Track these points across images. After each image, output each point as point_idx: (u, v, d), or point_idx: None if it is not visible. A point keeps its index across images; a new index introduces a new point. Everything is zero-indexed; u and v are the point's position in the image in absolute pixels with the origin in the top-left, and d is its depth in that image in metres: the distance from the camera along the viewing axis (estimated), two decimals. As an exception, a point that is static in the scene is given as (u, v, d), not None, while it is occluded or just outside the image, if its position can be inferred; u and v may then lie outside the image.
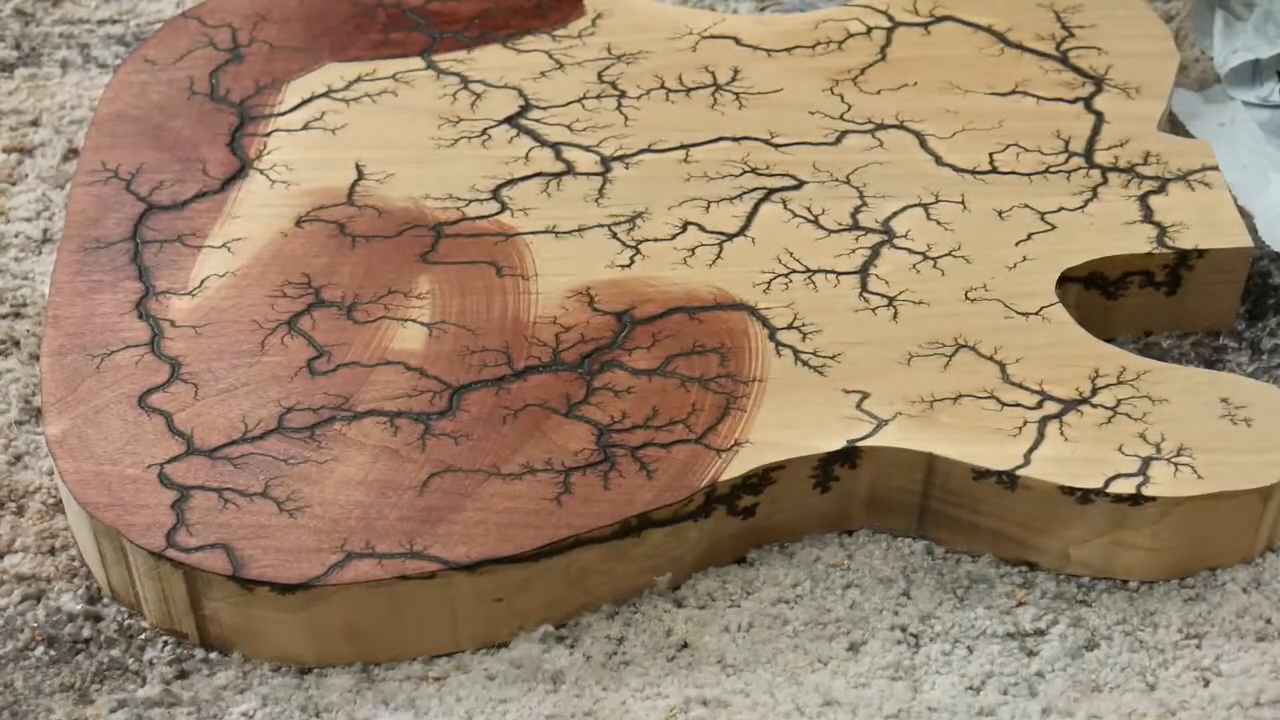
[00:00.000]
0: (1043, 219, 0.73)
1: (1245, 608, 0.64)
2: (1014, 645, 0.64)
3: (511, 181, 0.75)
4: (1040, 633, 0.64)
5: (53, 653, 0.63)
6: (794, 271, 0.71)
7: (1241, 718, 0.61)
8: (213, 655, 0.63)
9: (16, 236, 0.79)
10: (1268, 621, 0.64)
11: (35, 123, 0.84)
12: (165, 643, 0.63)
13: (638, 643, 0.63)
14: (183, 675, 0.63)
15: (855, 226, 0.73)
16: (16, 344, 0.74)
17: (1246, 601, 0.65)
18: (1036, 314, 0.69)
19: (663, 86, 0.79)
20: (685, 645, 0.63)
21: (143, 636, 0.64)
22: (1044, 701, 0.62)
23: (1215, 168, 0.75)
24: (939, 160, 0.76)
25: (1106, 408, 0.66)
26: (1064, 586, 0.65)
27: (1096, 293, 0.72)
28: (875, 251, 0.72)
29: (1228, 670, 0.63)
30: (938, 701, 0.62)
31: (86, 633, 0.64)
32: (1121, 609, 0.64)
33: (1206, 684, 0.63)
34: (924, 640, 0.64)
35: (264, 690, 0.62)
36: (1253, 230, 0.76)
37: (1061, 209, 0.73)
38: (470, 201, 0.74)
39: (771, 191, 0.74)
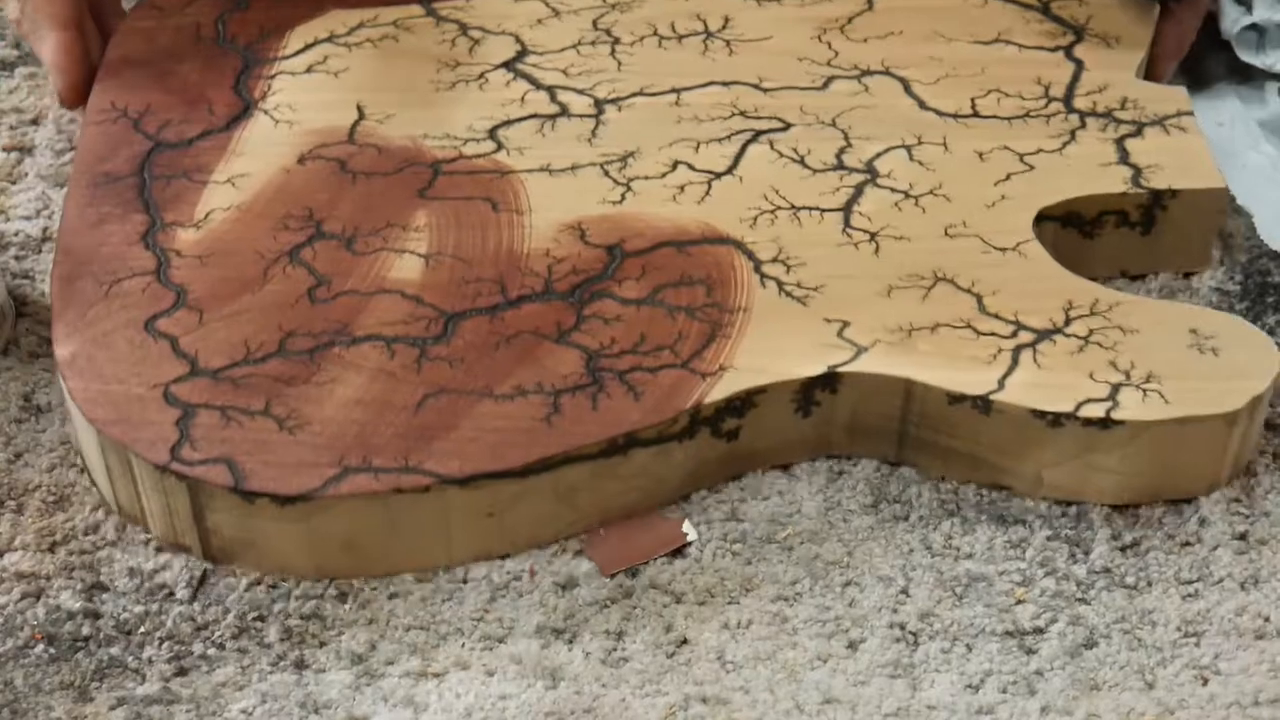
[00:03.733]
0: (1021, 160, 0.75)
1: (1243, 606, 0.65)
2: (1013, 643, 0.64)
3: (508, 123, 0.77)
4: (1039, 631, 0.64)
5: (52, 650, 0.64)
6: (779, 208, 0.73)
7: (1240, 716, 0.62)
8: (210, 652, 0.64)
9: (16, 235, 0.79)
10: (1266, 620, 0.65)
11: (35, 121, 0.85)
12: (163, 641, 0.64)
13: (637, 639, 0.64)
14: (182, 673, 0.63)
15: (840, 166, 0.75)
16: (16, 342, 0.74)
17: (1245, 600, 0.65)
18: (1014, 249, 0.71)
19: (655, 34, 0.82)
20: (685, 642, 0.64)
21: (141, 631, 0.64)
22: (1043, 700, 0.62)
23: (1190, 113, 0.77)
24: (922, 105, 0.78)
25: (1079, 337, 0.68)
26: (1063, 585, 0.66)
27: (1074, 231, 0.74)
28: (859, 190, 0.74)
29: (1226, 669, 0.63)
30: (937, 699, 0.63)
31: (86, 630, 0.64)
32: (1120, 607, 0.65)
33: (1205, 682, 0.63)
34: (923, 638, 0.64)
35: (263, 687, 0.63)
36: (1251, 230, 0.78)
37: (1040, 150, 0.76)
38: (467, 141, 0.76)
39: (759, 133, 0.77)
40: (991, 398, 0.66)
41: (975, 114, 0.78)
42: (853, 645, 0.64)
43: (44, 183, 0.81)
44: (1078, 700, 0.62)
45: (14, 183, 0.82)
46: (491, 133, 0.77)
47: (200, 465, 0.64)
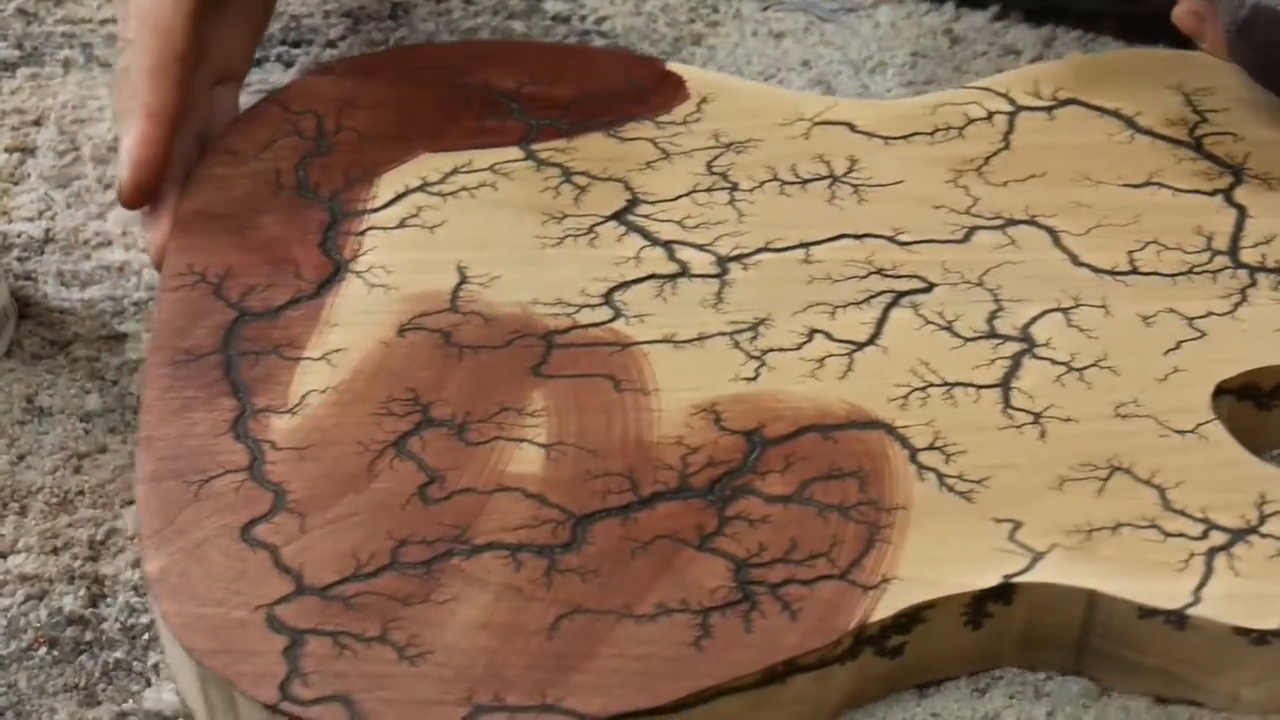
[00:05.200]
0: (1191, 325, 0.69)
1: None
2: (1021, 649, 0.62)
3: (624, 284, 0.71)
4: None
5: (56, 653, 0.63)
6: (931, 385, 0.67)
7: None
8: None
9: (19, 236, 0.78)
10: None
11: (38, 122, 0.84)
12: (168, 647, 0.62)
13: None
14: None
15: (992, 334, 0.69)
16: (19, 344, 0.73)
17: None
18: (1193, 431, 0.65)
19: (776, 178, 0.75)
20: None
21: (145, 637, 0.63)
22: (1050, 705, 0.61)
23: (1368, 266, 0.71)
24: (1075, 260, 0.71)
25: (1277, 538, 0.61)
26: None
27: (1249, 404, 0.68)
28: (1016, 362, 0.68)
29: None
30: (943, 707, 0.61)
31: (89, 634, 0.63)
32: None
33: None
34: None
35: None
36: None
37: (1210, 314, 0.69)
38: (581, 307, 0.70)
39: (900, 295, 0.70)
40: (1187, 612, 0.59)
41: (1134, 270, 0.71)
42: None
43: (46, 184, 0.81)
44: (1087, 708, 0.61)
45: (16, 184, 0.81)
46: (607, 297, 0.70)
47: (314, 705, 0.57)
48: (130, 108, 0.73)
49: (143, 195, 0.73)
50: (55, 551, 0.66)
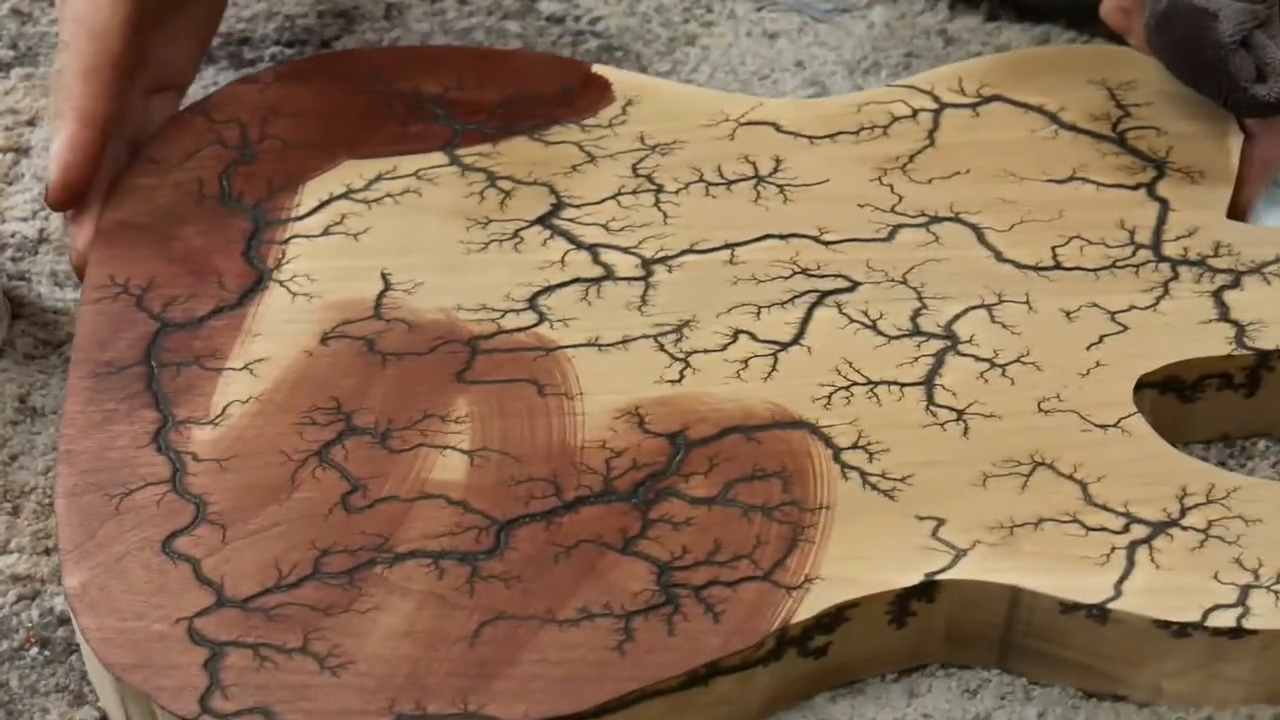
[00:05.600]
0: (1113, 319, 0.69)
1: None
2: (1010, 650, 0.62)
3: (548, 289, 0.71)
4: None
5: (47, 653, 0.63)
6: (855, 384, 0.67)
7: (1241, 727, 0.60)
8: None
9: (13, 236, 0.78)
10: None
11: (31, 122, 0.84)
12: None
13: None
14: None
15: (916, 332, 0.69)
16: (12, 344, 0.73)
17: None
18: (1115, 426, 0.65)
19: (702, 180, 0.75)
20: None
21: None
22: (1040, 706, 0.61)
23: (1290, 258, 0.71)
24: (999, 256, 0.72)
25: (1198, 530, 0.62)
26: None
27: (1172, 396, 0.68)
28: (939, 359, 0.68)
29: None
30: (933, 708, 0.61)
31: (79, 637, 0.63)
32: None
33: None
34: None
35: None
36: None
37: (1133, 308, 0.69)
38: (506, 312, 0.69)
39: (825, 294, 0.70)
40: (1109, 606, 0.60)
41: (1057, 265, 0.71)
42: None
43: (40, 184, 0.80)
44: (1077, 709, 0.61)
45: (10, 184, 0.81)
46: (531, 301, 0.70)
47: (234, 717, 0.57)
48: (62, 109, 0.73)
49: (69, 197, 0.73)
50: (47, 552, 0.66)
